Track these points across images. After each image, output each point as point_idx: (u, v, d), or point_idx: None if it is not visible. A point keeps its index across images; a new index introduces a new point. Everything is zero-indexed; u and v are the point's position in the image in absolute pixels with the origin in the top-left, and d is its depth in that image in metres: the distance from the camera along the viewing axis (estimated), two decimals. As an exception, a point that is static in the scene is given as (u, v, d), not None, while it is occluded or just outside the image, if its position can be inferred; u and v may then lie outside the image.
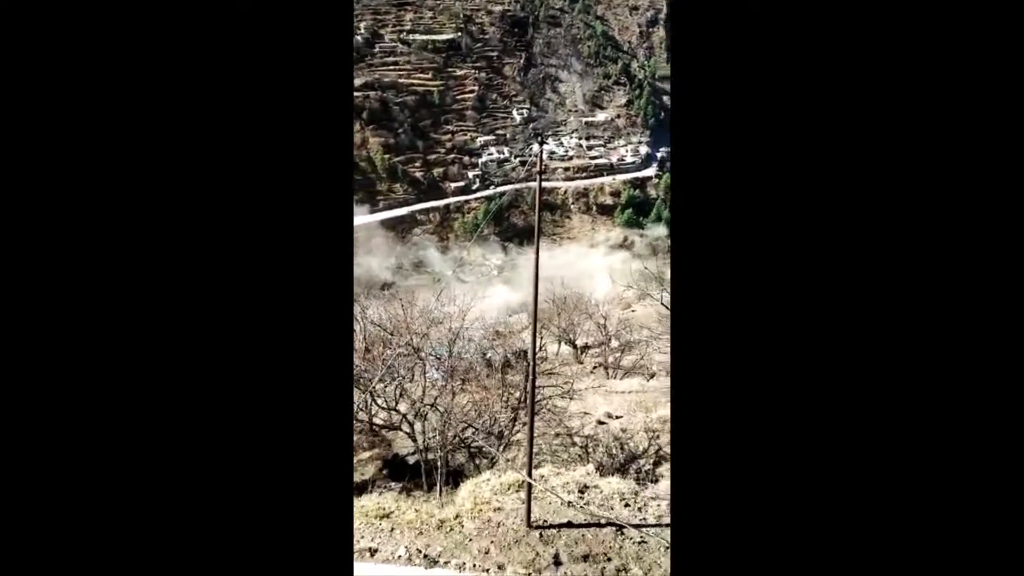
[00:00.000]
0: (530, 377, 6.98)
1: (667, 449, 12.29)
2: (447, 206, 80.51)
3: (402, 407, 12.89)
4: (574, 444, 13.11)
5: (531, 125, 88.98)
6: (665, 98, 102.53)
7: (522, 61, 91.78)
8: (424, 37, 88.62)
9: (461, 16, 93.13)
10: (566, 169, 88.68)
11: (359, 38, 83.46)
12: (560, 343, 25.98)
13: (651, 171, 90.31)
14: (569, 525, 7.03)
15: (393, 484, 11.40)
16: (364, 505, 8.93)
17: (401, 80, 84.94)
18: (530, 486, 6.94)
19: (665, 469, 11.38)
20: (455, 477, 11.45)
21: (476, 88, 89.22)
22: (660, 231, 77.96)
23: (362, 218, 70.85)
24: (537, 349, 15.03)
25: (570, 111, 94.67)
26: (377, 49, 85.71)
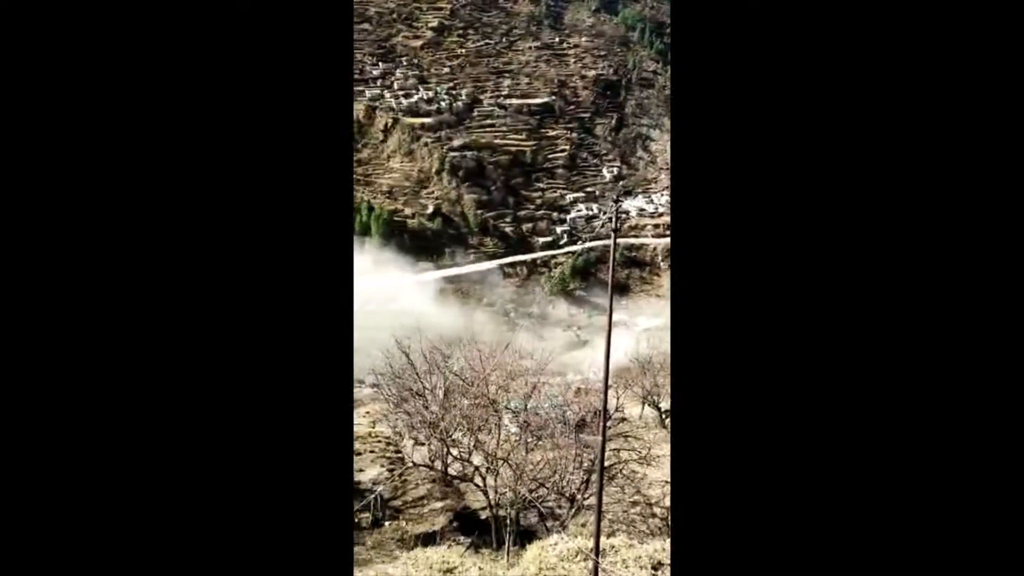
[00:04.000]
0: (603, 443, 6.77)
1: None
2: (534, 260, 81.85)
3: (476, 459, 12.85)
4: (653, 515, 12.30)
5: (621, 183, 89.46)
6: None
7: (613, 121, 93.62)
8: (520, 101, 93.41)
9: (556, 81, 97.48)
10: (656, 226, 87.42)
11: (460, 104, 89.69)
12: (643, 405, 24.86)
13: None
14: (638, 604, 6.54)
15: (462, 538, 11.26)
16: (429, 557, 8.85)
17: (496, 141, 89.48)
18: (596, 560, 6.59)
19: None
20: (524, 537, 11.07)
21: (568, 148, 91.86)
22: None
23: (451, 270, 73.60)
24: (614, 410, 14.48)
25: (660, 169, 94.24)
26: (476, 113, 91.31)
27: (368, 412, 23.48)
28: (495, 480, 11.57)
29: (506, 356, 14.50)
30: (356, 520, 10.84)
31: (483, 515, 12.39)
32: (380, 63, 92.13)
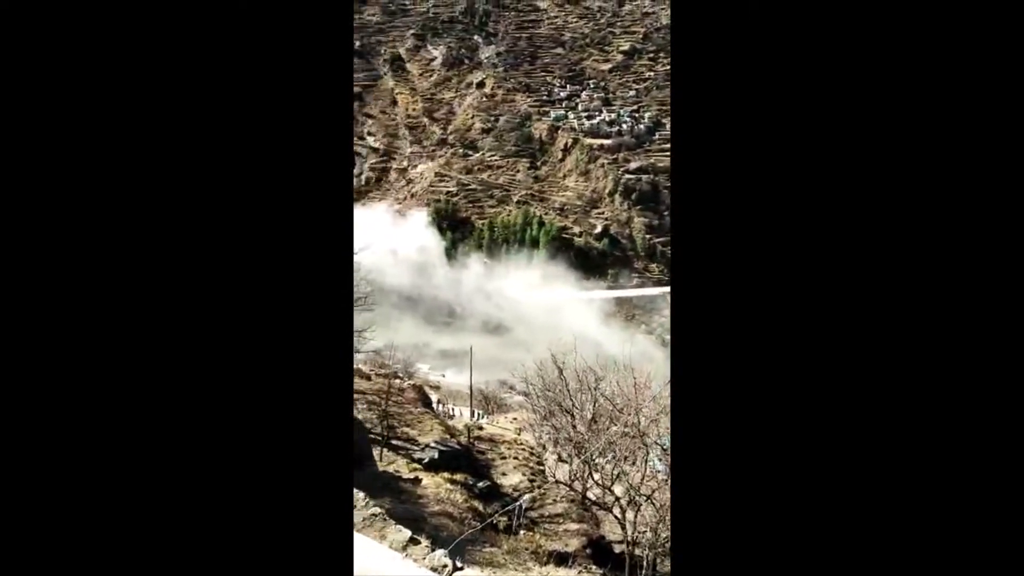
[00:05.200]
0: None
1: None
2: (702, 292, 77.09)
3: (617, 489, 12.47)
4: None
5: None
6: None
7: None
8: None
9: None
10: (853, 269, 76.96)
11: (641, 127, 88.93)
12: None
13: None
14: None
15: (594, 567, 11.00)
16: (561, 577, 8.82)
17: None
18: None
19: None
20: (660, 584, 10.43)
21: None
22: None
23: (613, 292, 72.88)
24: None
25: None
26: (656, 136, 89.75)
27: (515, 419, 24.20)
28: (635, 516, 11.06)
29: (663, 388, 13.87)
30: (494, 523, 11.22)
31: (617, 549, 11.93)
32: (568, 85, 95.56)
